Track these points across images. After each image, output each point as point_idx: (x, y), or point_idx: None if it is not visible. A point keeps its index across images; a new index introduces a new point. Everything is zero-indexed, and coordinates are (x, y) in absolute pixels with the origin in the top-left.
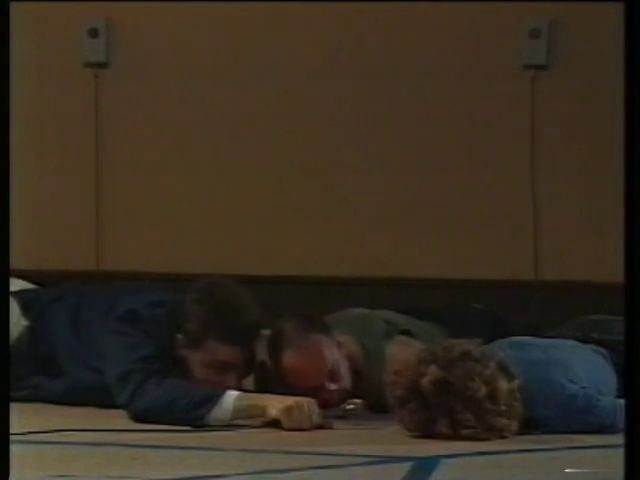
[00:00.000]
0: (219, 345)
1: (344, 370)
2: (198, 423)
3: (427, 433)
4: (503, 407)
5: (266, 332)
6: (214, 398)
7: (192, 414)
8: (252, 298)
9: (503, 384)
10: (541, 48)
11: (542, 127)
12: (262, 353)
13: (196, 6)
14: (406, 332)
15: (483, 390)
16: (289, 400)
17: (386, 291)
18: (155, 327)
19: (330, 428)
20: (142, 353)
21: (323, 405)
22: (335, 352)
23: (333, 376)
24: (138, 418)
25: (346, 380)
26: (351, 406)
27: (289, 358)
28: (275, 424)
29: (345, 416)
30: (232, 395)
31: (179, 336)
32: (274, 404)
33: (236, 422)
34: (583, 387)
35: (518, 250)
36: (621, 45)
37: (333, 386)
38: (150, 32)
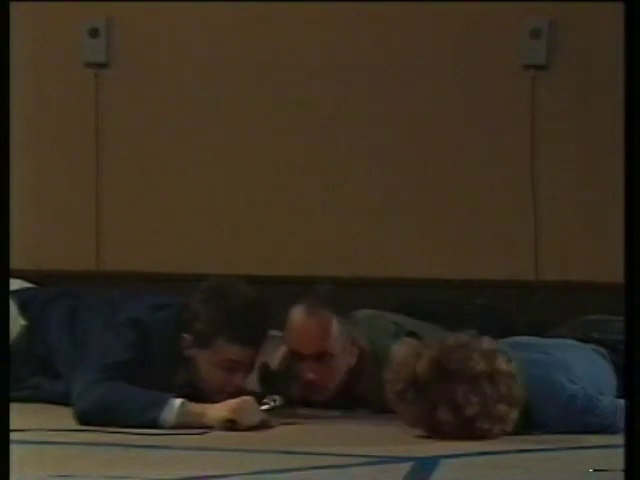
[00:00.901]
0: (228, 345)
1: (339, 365)
2: (149, 426)
3: (428, 424)
4: (503, 390)
5: (274, 333)
6: (160, 403)
7: (141, 417)
8: (260, 297)
9: (501, 364)
10: (541, 48)
11: (542, 127)
12: (267, 353)
13: (196, 6)
14: (412, 334)
15: (482, 365)
16: (234, 400)
17: (386, 291)
18: (157, 330)
19: (271, 427)
20: (108, 359)
21: (303, 385)
22: (339, 342)
23: (323, 359)
24: (81, 417)
25: (334, 375)
26: (266, 406)
27: (296, 313)
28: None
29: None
30: (177, 401)
31: (186, 336)
32: (218, 407)
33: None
34: (583, 387)
35: (518, 250)
36: (621, 45)
37: (313, 366)
38: (150, 32)
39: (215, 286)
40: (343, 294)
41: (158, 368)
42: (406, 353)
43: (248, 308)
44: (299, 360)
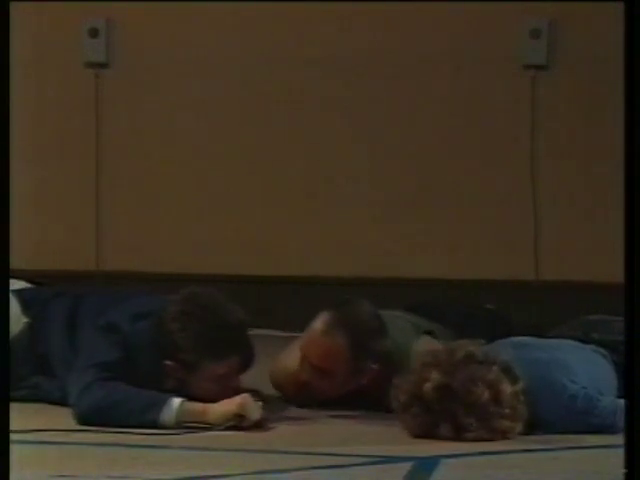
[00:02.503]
0: (215, 363)
1: (340, 382)
2: (149, 427)
3: (430, 437)
4: (507, 410)
5: (278, 333)
6: (159, 403)
7: (141, 418)
8: (229, 300)
9: (507, 387)
10: (541, 48)
11: (542, 127)
12: (276, 355)
13: (196, 6)
14: (429, 332)
15: (486, 394)
16: (238, 397)
17: (386, 291)
18: (135, 341)
19: (272, 427)
20: (98, 360)
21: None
22: (344, 367)
23: (324, 372)
24: (81, 418)
25: (332, 389)
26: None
27: (316, 324)
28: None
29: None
30: (176, 401)
31: (170, 363)
32: (222, 404)
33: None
34: (584, 387)
35: (518, 250)
36: (621, 45)
37: (312, 372)
38: (150, 32)
39: (186, 309)
40: (343, 294)
41: (141, 378)
42: (420, 362)
43: (224, 321)
44: (303, 359)
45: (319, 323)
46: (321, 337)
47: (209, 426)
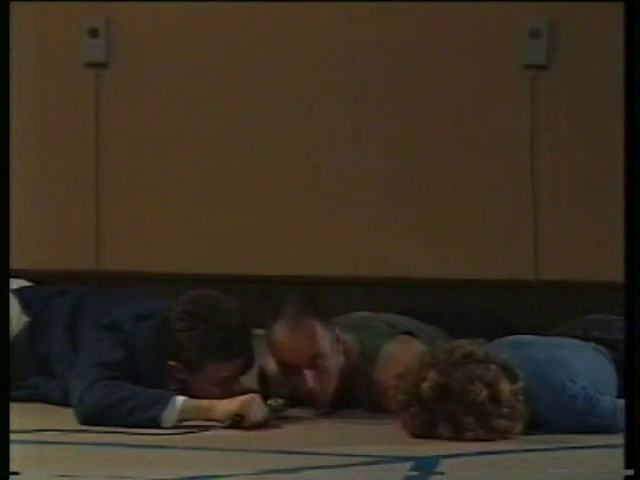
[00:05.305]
0: (220, 365)
1: (333, 363)
2: (151, 425)
3: (430, 436)
4: (506, 409)
5: (258, 331)
6: (162, 401)
7: (144, 415)
8: (233, 301)
9: (505, 386)
10: (541, 48)
11: (542, 127)
12: (264, 354)
13: (196, 6)
14: (407, 333)
15: (484, 393)
16: (243, 396)
17: (386, 291)
18: (138, 341)
19: (272, 427)
20: (102, 359)
21: (305, 394)
22: (328, 342)
23: (318, 364)
24: (84, 417)
25: (332, 374)
26: (275, 403)
27: (278, 331)
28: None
29: (273, 413)
30: (180, 399)
31: (174, 364)
32: (226, 402)
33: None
34: (584, 387)
35: (518, 250)
36: (621, 45)
37: (311, 374)
38: (150, 32)
39: (191, 309)
40: (343, 294)
41: (143, 378)
42: (408, 359)
43: (229, 323)
44: (297, 371)
45: (281, 332)
46: (292, 336)
47: (210, 423)
